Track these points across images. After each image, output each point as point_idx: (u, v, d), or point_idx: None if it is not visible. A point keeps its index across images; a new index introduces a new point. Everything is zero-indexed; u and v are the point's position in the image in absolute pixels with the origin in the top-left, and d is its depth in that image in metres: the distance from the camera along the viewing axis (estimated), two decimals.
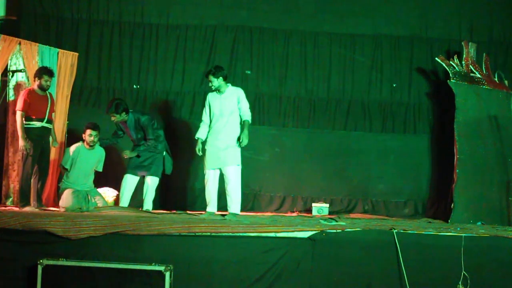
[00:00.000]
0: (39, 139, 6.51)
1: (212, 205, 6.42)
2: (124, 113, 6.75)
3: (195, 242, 4.66)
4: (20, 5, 8.09)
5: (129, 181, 6.83)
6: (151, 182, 6.87)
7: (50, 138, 6.80)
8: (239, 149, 6.36)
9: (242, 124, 6.41)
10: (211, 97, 6.59)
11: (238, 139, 6.30)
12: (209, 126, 6.52)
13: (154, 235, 4.62)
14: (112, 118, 6.76)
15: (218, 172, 6.41)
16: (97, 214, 5.56)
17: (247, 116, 6.42)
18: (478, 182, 7.08)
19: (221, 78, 6.46)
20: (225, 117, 6.42)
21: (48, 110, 6.57)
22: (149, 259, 4.47)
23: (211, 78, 6.47)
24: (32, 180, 6.52)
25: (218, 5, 8.29)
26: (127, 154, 6.82)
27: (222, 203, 6.47)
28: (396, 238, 4.68)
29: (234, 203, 6.28)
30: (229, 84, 6.51)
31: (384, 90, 8.28)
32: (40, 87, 6.53)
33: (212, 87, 6.47)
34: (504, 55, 8.21)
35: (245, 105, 6.49)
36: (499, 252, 4.76)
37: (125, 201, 6.80)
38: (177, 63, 8.23)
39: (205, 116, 6.59)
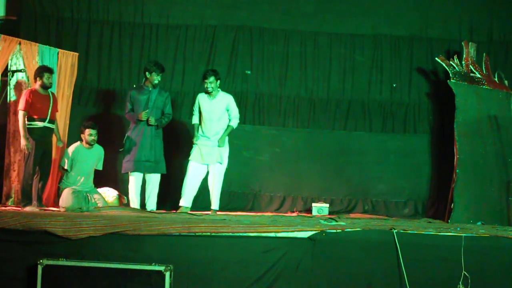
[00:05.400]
0: (41, 139, 6.51)
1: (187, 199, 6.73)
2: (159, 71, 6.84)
3: (195, 242, 4.66)
4: (20, 5, 8.08)
5: (137, 181, 6.80)
6: (156, 179, 6.85)
7: (54, 138, 6.80)
8: (227, 150, 6.71)
9: (226, 127, 6.68)
10: (201, 99, 6.74)
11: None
12: (200, 126, 6.75)
13: (154, 235, 4.62)
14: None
15: (204, 167, 6.71)
16: (97, 214, 5.55)
17: (234, 123, 6.71)
18: (478, 182, 7.08)
19: (219, 81, 6.65)
20: (213, 121, 6.67)
21: (50, 110, 6.57)
22: (149, 259, 4.47)
23: (212, 79, 6.57)
24: (33, 180, 6.52)
25: (218, 5, 8.28)
26: (148, 118, 6.60)
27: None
28: (396, 238, 4.68)
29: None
30: (220, 89, 6.69)
31: (384, 90, 8.26)
32: (43, 85, 6.53)
33: (209, 88, 6.57)
34: (504, 55, 8.20)
35: (235, 112, 6.74)
36: (499, 252, 4.75)
37: (137, 203, 6.79)
38: (177, 63, 8.22)
39: (195, 118, 6.78)
